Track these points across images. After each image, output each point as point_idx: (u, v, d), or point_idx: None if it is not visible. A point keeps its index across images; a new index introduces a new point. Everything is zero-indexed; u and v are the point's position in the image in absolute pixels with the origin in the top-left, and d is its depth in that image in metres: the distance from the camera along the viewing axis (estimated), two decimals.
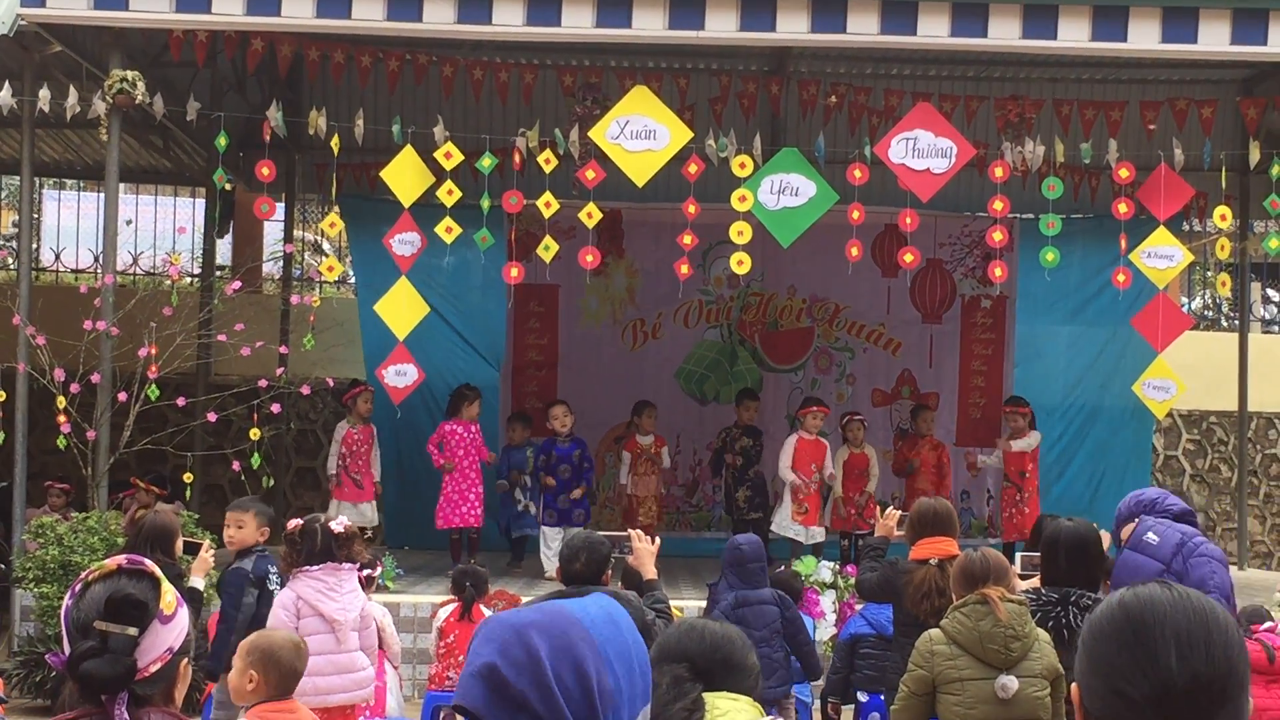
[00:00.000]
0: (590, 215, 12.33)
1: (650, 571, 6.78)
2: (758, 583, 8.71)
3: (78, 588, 2.93)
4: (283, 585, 7.95)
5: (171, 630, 2.91)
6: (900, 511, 8.30)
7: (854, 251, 12.30)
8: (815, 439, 14.33)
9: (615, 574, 7.65)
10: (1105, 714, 2.15)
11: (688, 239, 12.24)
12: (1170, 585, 2.21)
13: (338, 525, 7.73)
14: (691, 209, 12.17)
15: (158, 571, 2.98)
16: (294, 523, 7.91)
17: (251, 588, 8.19)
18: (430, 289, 14.47)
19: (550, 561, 13.58)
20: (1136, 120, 14.39)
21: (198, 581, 8.13)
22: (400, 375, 12.87)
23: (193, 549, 8.67)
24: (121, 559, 3.00)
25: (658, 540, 6.92)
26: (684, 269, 12.47)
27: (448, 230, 12.39)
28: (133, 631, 2.84)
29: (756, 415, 15.24)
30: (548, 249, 12.41)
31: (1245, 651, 2.16)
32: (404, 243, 12.62)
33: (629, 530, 7.07)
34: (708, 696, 3.93)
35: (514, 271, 12.92)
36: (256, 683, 5.58)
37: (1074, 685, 2.24)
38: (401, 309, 12.69)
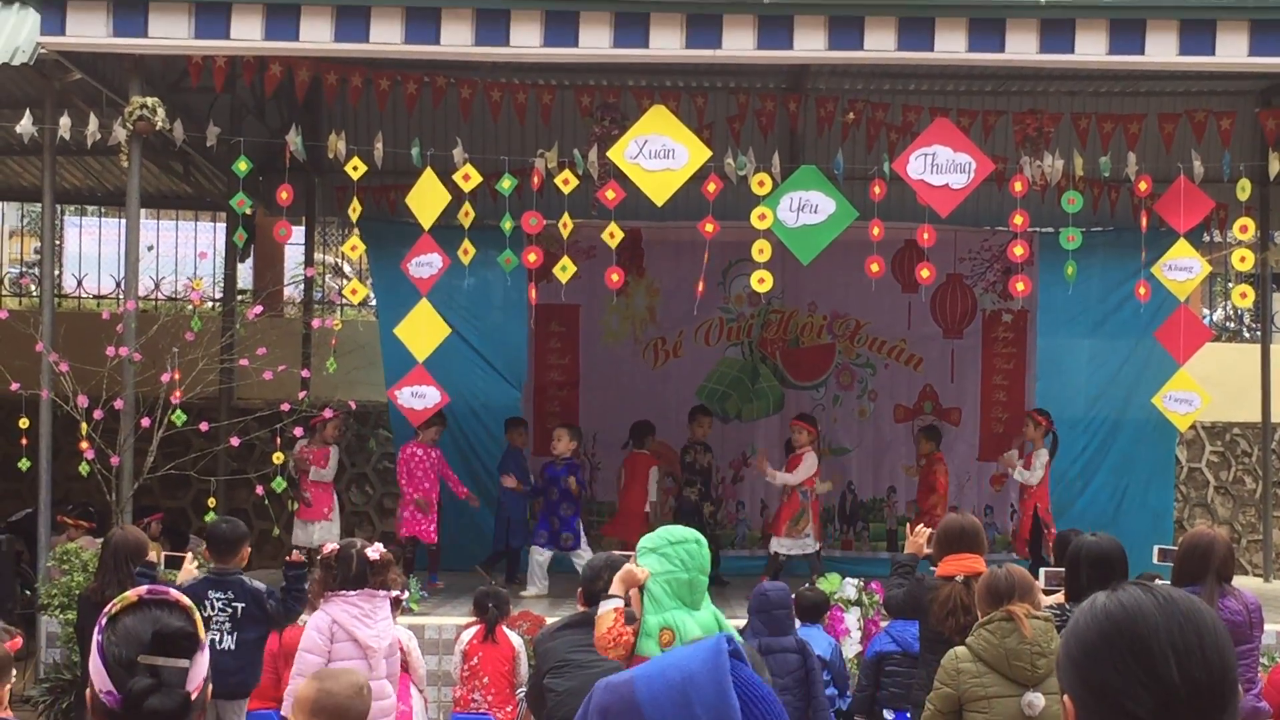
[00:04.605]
0: (613, 235, 12.32)
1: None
2: (783, 630, 8.60)
3: (104, 622, 2.93)
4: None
5: (205, 656, 2.93)
6: (930, 529, 8.26)
7: (874, 268, 12.27)
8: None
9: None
10: None
11: (704, 257, 12.25)
12: (1150, 588, 2.17)
13: (374, 552, 7.71)
14: (709, 227, 12.16)
15: (185, 599, 2.99)
16: (329, 547, 7.88)
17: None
18: (451, 310, 14.46)
19: (535, 583, 13.56)
20: (1155, 133, 14.37)
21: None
22: (418, 397, 12.71)
23: (174, 562, 8.69)
24: (142, 590, 3.00)
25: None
26: (700, 287, 12.47)
27: (464, 252, 12.39)
28: (184, 663, 2.85)
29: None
30: (565, 269, 12.41)
31: (1234, 649, 2.14)
32: (422, 265, 12.56)
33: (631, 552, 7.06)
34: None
35: (533, 292, 12.94)
36: None
37: (1066, 698, 2.18)
38: (421, 331, 12.63)
